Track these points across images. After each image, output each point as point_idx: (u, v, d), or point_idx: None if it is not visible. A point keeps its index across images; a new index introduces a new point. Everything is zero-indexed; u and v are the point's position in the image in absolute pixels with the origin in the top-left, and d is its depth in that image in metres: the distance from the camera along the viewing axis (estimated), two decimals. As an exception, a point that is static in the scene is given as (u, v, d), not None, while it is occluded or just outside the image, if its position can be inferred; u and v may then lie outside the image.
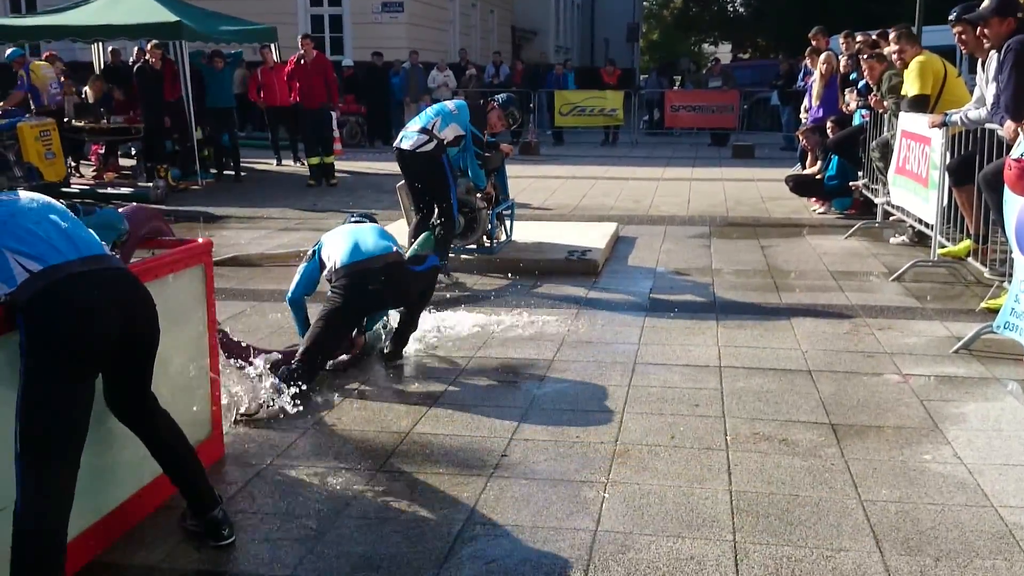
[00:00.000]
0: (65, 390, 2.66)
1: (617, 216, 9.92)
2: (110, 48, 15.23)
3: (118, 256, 3.18)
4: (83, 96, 14.09)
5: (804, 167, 11.50)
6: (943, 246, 7.00)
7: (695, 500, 3.42)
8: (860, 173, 9.76)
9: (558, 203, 11.17)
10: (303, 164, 13.91)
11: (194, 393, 3.70)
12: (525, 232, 8.38)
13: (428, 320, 5.64)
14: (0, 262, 2.64)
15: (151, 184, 11.91)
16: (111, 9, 13.00)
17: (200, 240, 3.85)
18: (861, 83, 9.58)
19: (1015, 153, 4.85)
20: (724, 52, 45.98)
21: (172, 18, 12.46)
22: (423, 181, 6.93)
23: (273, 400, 4.32)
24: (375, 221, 5.48)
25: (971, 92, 6.85)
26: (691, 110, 19.35)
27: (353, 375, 4.92)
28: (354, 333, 5.08)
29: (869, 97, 8.90)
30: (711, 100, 19.32)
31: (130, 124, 13.12)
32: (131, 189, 11.83)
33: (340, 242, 4.97)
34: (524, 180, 12.61)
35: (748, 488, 3.52)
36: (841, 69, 10.69)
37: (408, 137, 6.87)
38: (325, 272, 4.97)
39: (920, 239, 8.03)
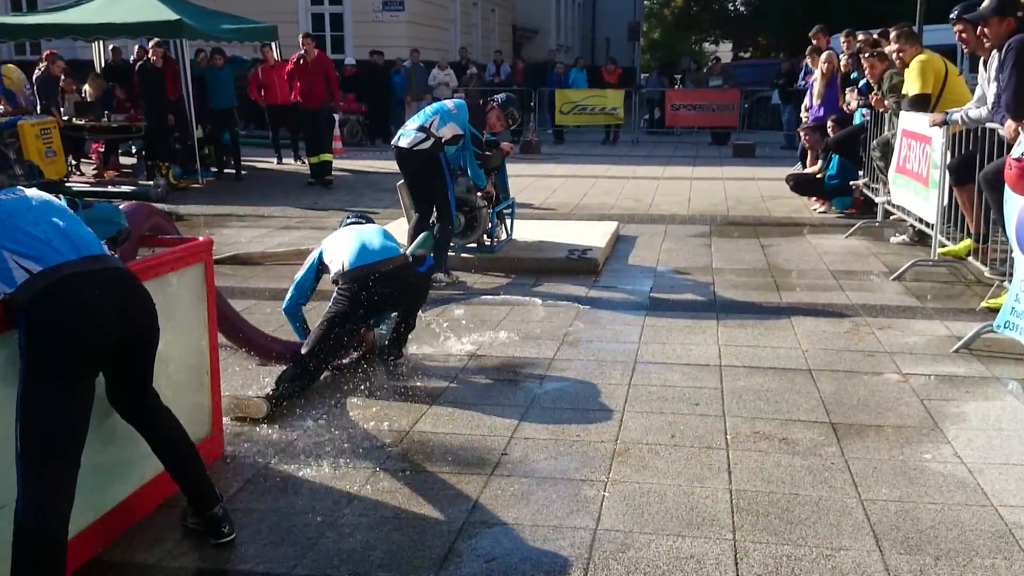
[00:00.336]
0: (65, 390, 2.66)
1: (618, 215, 9.92)
2: (111, 46, 15.23)
3: (117, 255, 3.17)
4: (83, 94, 14.09)
5: (805, 166, 11.50)
6: (943, 245, 6.99)
7: (695, 499, 3.42)
8: (860, 172, 9.76)
9: (559, 202, 11.17)
10: (303, 163, 13.90)
11: (194, 391, 3.71)
12: (525, 231, 8.38)
13: (428, 318, 5.65)
14: (-1, 263, 2.65)
15: (151, 182, 11.91)
16: (112, 7, 13.00)
17: (200, 238, 3.86)
18: (862, 82, 9.58)
19: (1016, 152, 4.85)
20: (725, 51, 45.98)
21: (173, 16, 12.46)
22: (421, 179, 6.94)
23: (274, 399, 4.33)
24: (372, 221, 5.48)
25: (972, 91, 6.85)
26: (692, 109, 19.35)
27: (353, 374, 4.91)
28: (362, 330, 5.09)
29: (870, 96, 8.90)
30: (712, 99, 19.32)
31: (131, 122, 13.12)
32: (132, 187, 11.84)
33: (345, 245, 4.94)
34: (525, 179, 12.61)
35: (748, 487, 3.52)
36: (842, 68, 10.69)
37: (406, 135, 6.87)
38: (331, 275, 4.95)
39: (920, 238, 8.03)
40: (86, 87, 14.18)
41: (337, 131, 15.23)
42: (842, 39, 11.10)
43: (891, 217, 8.84)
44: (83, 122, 13.10)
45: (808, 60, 12.73)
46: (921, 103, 7.41)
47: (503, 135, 9.76)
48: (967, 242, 6.69)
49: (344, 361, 4.97)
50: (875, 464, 3.71)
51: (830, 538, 3.13)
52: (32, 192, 2.90)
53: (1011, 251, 5.28)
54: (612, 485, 3.55)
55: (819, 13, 23.69)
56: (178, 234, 4.34)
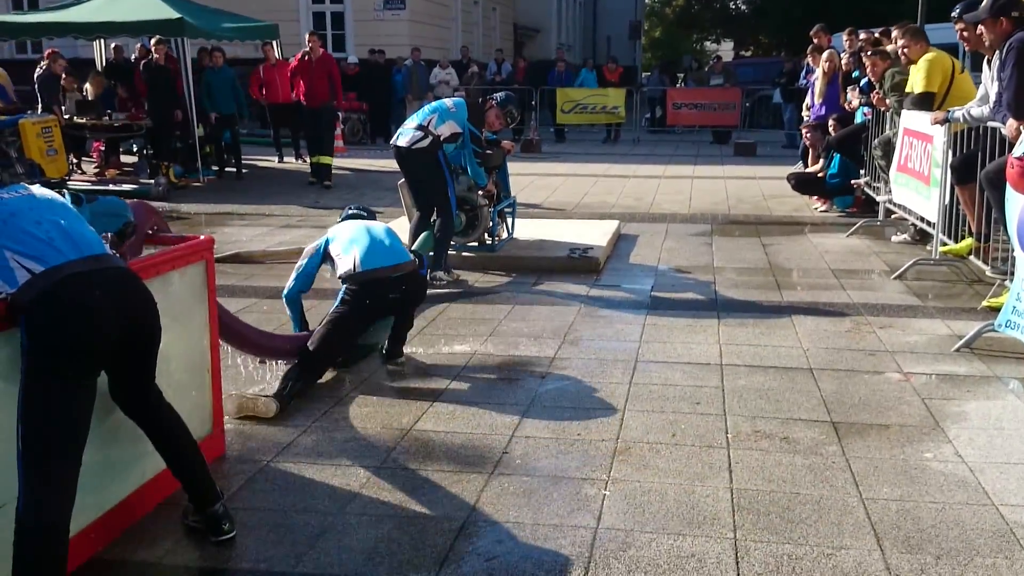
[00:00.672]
0: (66, 390, 2.66)
1: (619, 214, 9.92)
2: (112, 45, 15.23)
3: (124, 249, 3.18)
4: (84, 93, 14.09)
5: (806, 165, 11.50)
6: (945, 244, 6.99)
7: (696, 498, 3.42)
8: (862, 171, 9.75)
9: (559, 201, 11.17)
10: (304, 161, 13.88)
11: (195, 389, 3.71)
12: (526, 230, 8.38)
13: (428, 317, 5.65)
14: (0, 262, 2.65)
15: (152, 181, 11.91)
16: (113, 6, 13.00)
17: (202, 237, 3.86)
18: (863, 81, 9.57)
19: (1017, 151, 4.85)
20: (726, 50, 45.98)
21: (174, 15, 12.47)
22: (421, 178, 6.94)
23: (282, 398, 4.33)
24: (374, 215, 5.47)
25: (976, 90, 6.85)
26: (693, 108, 19.36)
27: (355, 373, 4.92)
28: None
29: (872, 95, 8.89)
30: (713, 98, 19.31)
31: (132, 121, 13.12)
32: (133, 186, 11.84)
33: (355, 241, 4.91)
34: (526, 178, 12.61)
35: (749, 486, 3.52)
36: (843, 67, 10.68)
37: (405, 134, 6.88)
38: (339, 272, 4.93)
39: (922, 237, 8.03)
40: (87, 86, 14.18)
41: (338, 130, 15.18)
42: (844, 37, 11.10)
43: (892, 216, 8.84)
44: (84, 121, 13.10)
45: (809, 59, 12.72)
46: (925, 101, 7.40)
47: (504, 134, 9.76)
48: (968, 241, 6.69)
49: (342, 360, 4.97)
50: (876, 463, 3.71)
51: (831, 537, 3.13)
52: (35, 190, 2.89)
53: (1012, 250, 5.28)
54: (613, 484, 3.55)
55: (820, 12, 23.68)
56: (171, 234, 4.32)
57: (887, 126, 8.78)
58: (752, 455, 3.80)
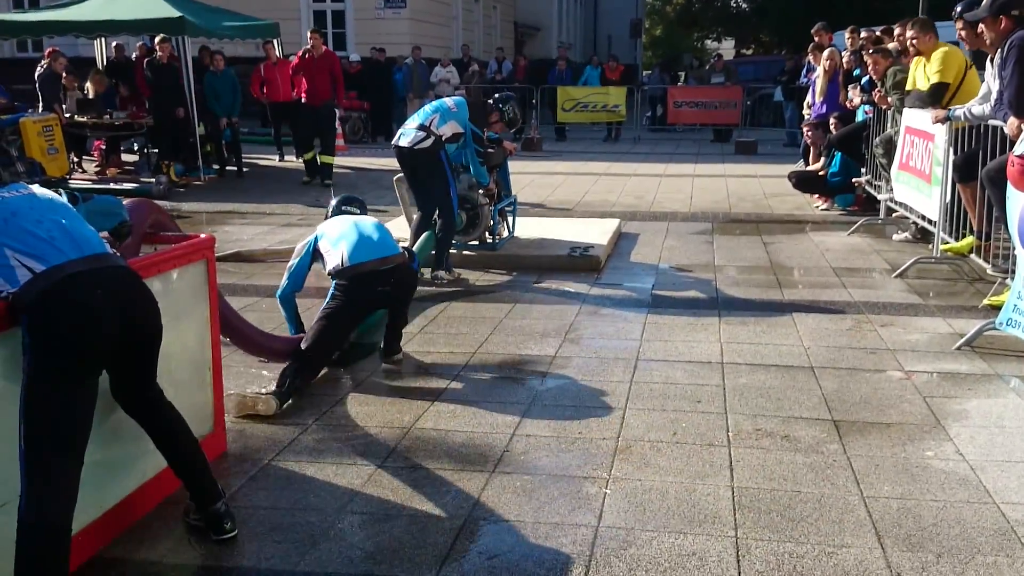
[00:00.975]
0: (68, 389, 2.67)
1: (619, 212, 9.92)
2: (113, 43, 15.23)
3: (119, 253, 3.18)
4: (85, 91, 14.09)
5: (807, 163, 11.49)
6: (946, 242, 6.99)
7: (697, 496, 3.42)
8: (863, 169, 9.74)
9: (560, 199, 11.16)
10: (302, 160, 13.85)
11: (196, 388, 3.71)
12: (527, 228, 8.37)
13: (429, 315, 5.65)
14: (1, 262, 2.65)
15: (153, 180, 11.91)
16: (114, 4, 13.00)
17: (202, 236, 3.86)
18: (864, 79, 9.57)
19: (1018, 149, 4.85)
20: (727, 48, 45.95)
21: (175, 13, 12.47)
22: (423, 178, 6.94)
23: (281, 395, 4.33)
24: (364, 205, 5.44)
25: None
26: (694, 106, 19.35)
27: (355, 371, 4.92)
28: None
29: (873, 93, 8.89)
30: (714, 96, 19.30)
31: (133, 120, 13.12)
32: (134, 184, 11.84)
33: (343, 236, 4.92)
34: (526, 176, 12.61)
35: (750, 484, 3.52)
36: (844, 65, 10.68)
37: (406, 134, 6.87)
38: (328, 268, 4.94)
39: (923, 236, 8.02)
40: (88, 84, 14.17)
41: (339, 129, 15.17)
42: (847, 35, 11.09)
43: (893, 214, 8.83)
44: (85, 119, 13.11)
45: (810, 57, 12.71)
46: (938, 92, 7.30)
47: (506, 133, 9.76)
48: (970, 239, 6.69)
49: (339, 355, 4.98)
50: (877, 461, 3.71)
51: (832, 535, 3.13)
52: (35, 189, 2.90)
53: (1013, 248, 5.28)
54: (614, 482, 3.55)
55: (820, 10, 23.67)
56: (179, 231, 4.34)
57: (888, 124, 8.78)
58: (753, 453, 3.80)
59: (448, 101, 7.16)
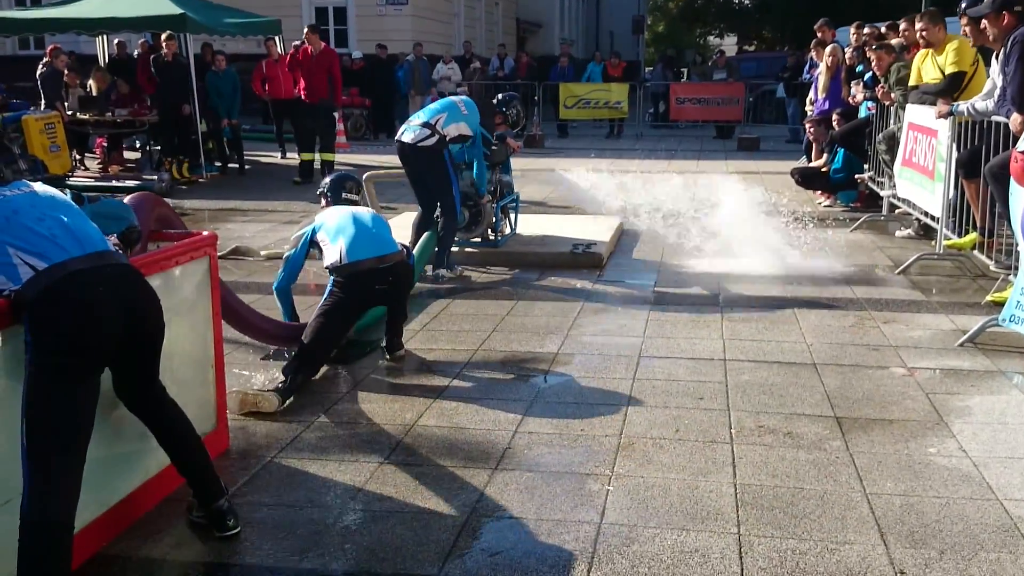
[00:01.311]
0: (70, 387, 2.67)
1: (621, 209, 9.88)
2: (115, 41, 15.23)
3: (121, 251, 3.17)
4: (87, 89, 14.10)
5: (810, 160, 11.48)
6: (949, 239, 6.98)
7: (699, 493, 3.42)
8: (866, 166, 9.73)
9: (562, 196, 11.15)
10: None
11: (199, 385, 3.71)
12: (529, 225, 8.37)
13: (432, 313, 5.65)
14: (3, 259, 2.65)
15: (155, 177, 11.91)
16: (115, 2, 13.00)
17: (205, 233, 3.86)
18: (867, 75, 9.54)
19: (1021, 145, 4.84)
20: (729, 45, 45.91)
21: (176, 10, 12.46)
22: (424, 175, 6.89)
23: (284, 392, 4.34)
24: (360, 186, 5.42)
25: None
26: (696, 103, 19.31)
27: (357, 369, 4.92)
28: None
29: (876, 89, 8.87)
30: (716, 93, 19.26)
31: (135, 117, 13.12)
32: (136, 182, 11.84)
33: (342, 232, 4.87)
34: (529, 173, 12.59)
35: (753, 481, 3.51)
36: (846, 61, 10.66)
37: (410, 130, 6.80)
38: (325, 262, 4.91)
39: (926, 232, 8.01)
40: (90, 82, 14.18)
41: (339, 127, 15.14)
42: (851, 31, 11.07)
43: (896, 211, 8.82)
44: (87, 117, 13.11)
45: (813, 53, 12.69)
46: (955, 82, 7.23)
47: (508, 131, 9.75)
48: (973, 235, 6.67)
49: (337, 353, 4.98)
50: (880, 458, 3.71)
51: (835, 532, 3.13)
52: (38, 187, 2.90)
53: (1017, 244, 5.27)
54: (616, 479, 3.55)
55: (823, 6, 23.64)
56: (183, 226, 4.34)
57: (891, 120, 8.76)
58: (756, 450, 3.80)
59: (458, 103, 7.01)
